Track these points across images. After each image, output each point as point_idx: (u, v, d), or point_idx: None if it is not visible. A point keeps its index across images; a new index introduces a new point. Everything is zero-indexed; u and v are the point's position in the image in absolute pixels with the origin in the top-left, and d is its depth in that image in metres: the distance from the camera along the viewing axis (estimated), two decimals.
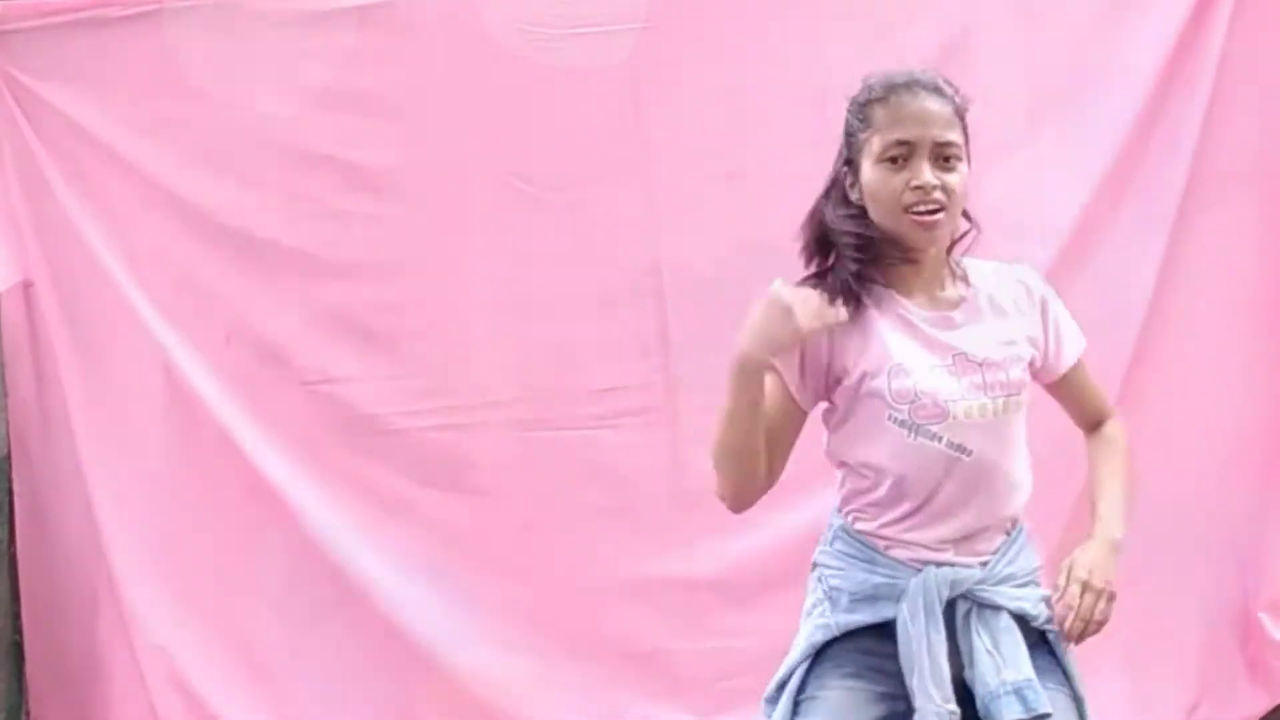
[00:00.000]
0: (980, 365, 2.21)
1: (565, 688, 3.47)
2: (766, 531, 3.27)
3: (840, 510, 2.31)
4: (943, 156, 2.21)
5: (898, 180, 2.21)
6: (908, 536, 2.25)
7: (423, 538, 3.51)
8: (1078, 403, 2.40)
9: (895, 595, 2.22)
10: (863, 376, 2.22)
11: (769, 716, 2.26)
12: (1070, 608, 2.17)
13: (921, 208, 2.20)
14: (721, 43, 3.45)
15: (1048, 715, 2.14)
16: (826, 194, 2.33)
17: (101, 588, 3.54)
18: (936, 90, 2.24)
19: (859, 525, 2.28)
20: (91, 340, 3.54)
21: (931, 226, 2.21)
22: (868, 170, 2.24)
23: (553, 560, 3.49)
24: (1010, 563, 2.23)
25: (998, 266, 2.33)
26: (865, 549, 2.27)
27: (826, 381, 2.27)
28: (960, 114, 2.25)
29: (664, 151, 3.45)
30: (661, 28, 3.45)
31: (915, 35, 3.44)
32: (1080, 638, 2.18)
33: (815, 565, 2.32)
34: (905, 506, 2.24)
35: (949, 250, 2.31)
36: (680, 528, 3.47)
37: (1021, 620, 2.21)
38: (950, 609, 2.21)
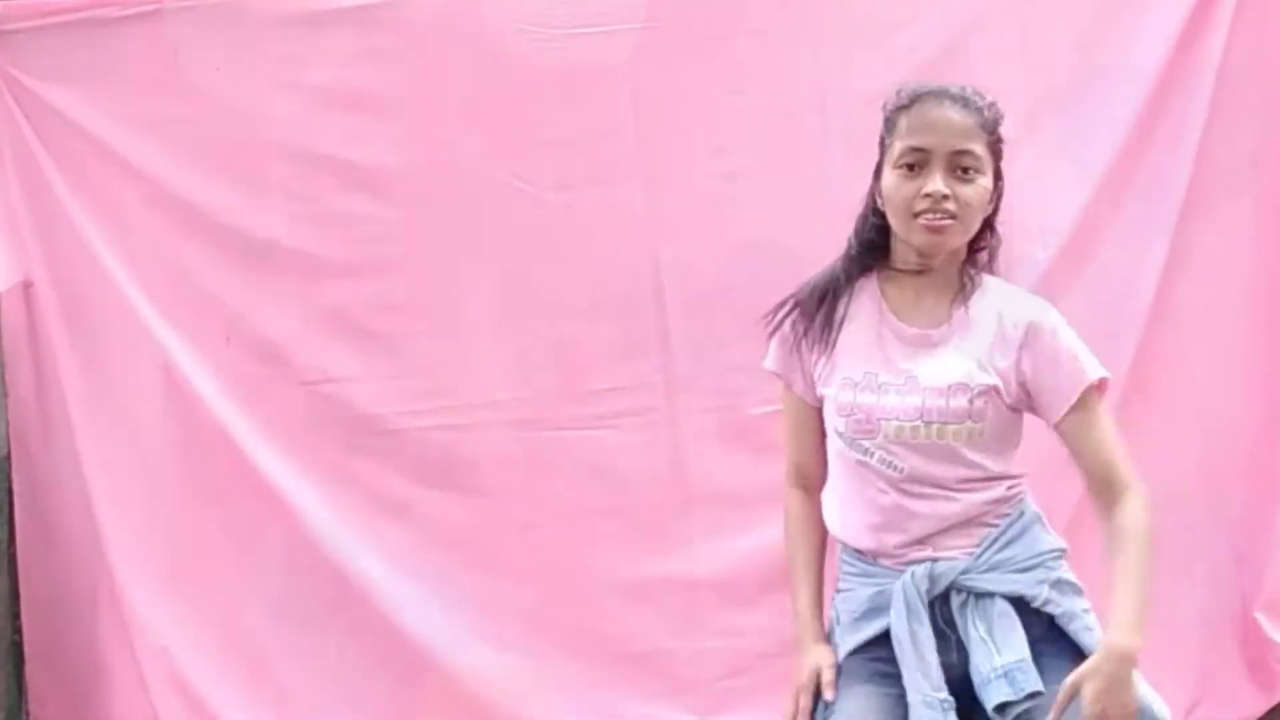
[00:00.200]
0: (924, 390, 2.24)
1: (565, 688, 3.47)
2: (766, 531, 3.25)
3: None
4: (960, 167, 2.24)
5: (910, 187, 2.24)
6: (881, 545, 2.28)
7: (422, 538, 3.50)
8: (1078, 455, 2.33)
9: (889, 602, 2.24)
10: (826, 386, 2.32)
11: None
12: None
13: (930, 215, 2.21)
14: (721, 43, 3.45)
15: (1038, 694, 2.14)
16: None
17: (101, 588, 3.54)
18: (963, 101, 2.27)
19: (862, 543, 2.34)
20: (91, 340, 3.54)
21: (939, 232, 2.24)
22: (886, 175, 2.29)
23: (553, 560, 3.48)
24: (1003, 549, 2.24)
25: (1014, 297, 2.33)
26: (860, 563, 2.32)
27: (814, 387, 2.34)
28: (987, 127, 2.26)
29: (664, 151, 3.45)
30: (661, 28, 3.45)
31: (915, 35, 3.44)
32: None
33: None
34: (863, 516, 2.30)
35: (970, 263, 2.32)
36: (680, 528, 3.47)
37: (1022, 603, 2.22)
38: (946, 602, 2.23)
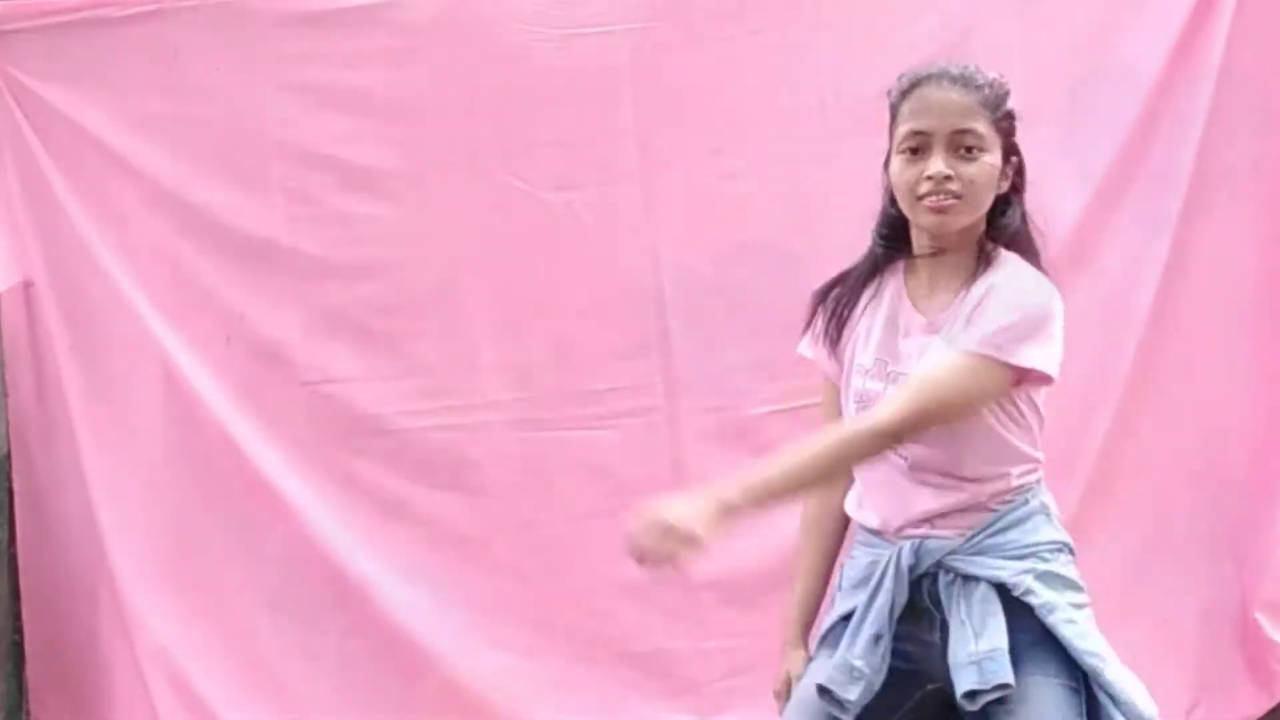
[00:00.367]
0: (905, 376, 2.24)
1: (565, 688, 3.47)
2: (767, 532, 3.25)
3: None
4: (963, 146, 2.23)
5: (913, 171, 2.24)
6: (886, 525, 2.31)
7: (422, 538, 3.51)
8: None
9: (878, 573, 2.28)
10: (846, 373, 2.35)
11: None
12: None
13: (935, 197, 2.21)
14: (721, 43, 3.45)
15: (1007, 686, 2.13)
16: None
17: (101, 588, 3.54)
18: (963, 81, 2.25)
19: (869, 522, 2.36)
20: (91, 340, 3.54)
21: (943, 212, 2.23)
22: (892, 162, 2.29)
23: (553, 560, 3.49)
24: (996, 534, 2.23)
25: (1017, 271, 2.29)
26: (865, 533, 2.36)
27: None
28: (990, 104, 2.25)
29: (664, 151, 3.45)
30: (661, 28, 3.45)
31: (915, 35, 3.44)
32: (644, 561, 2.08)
33: None
34: (875, 501, 2.33)
35: (991, 241, 2.30)
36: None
37: (1005, 591, 2.21)
38: (935, 580, 2.23)
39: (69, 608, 3.57)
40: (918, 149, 2.24)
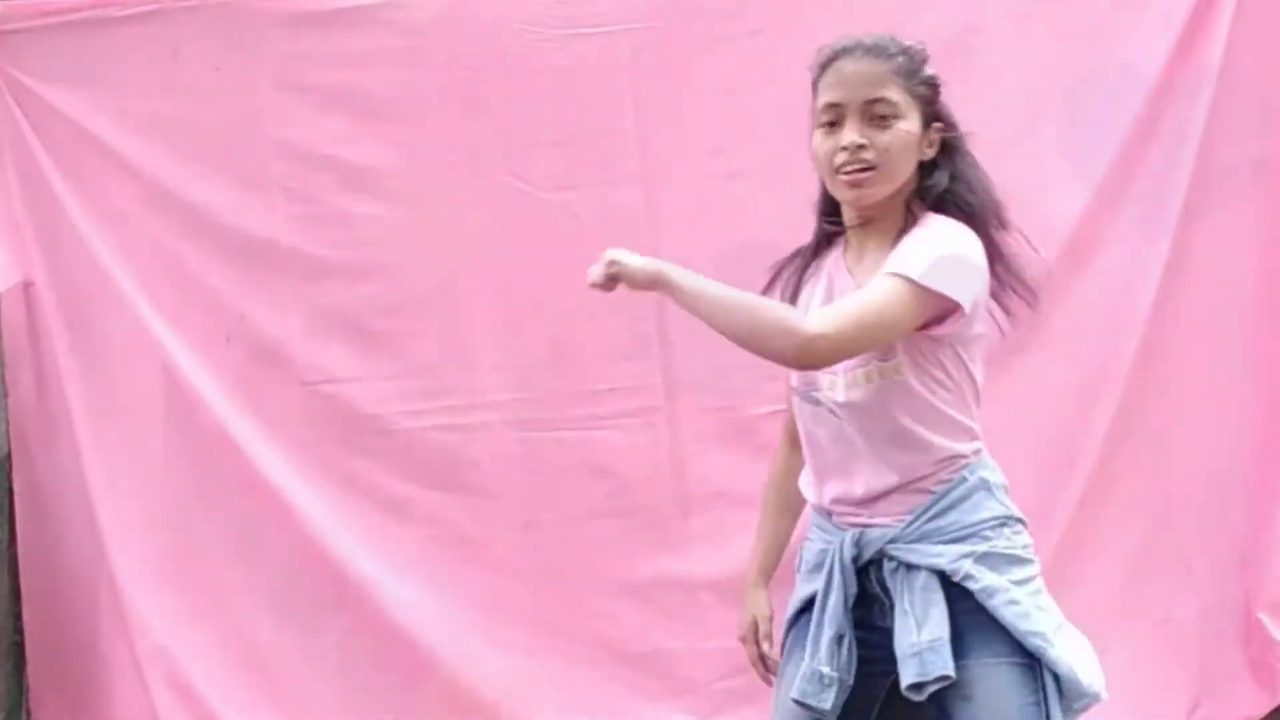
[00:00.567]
0: None
1: (565, 688, 3.47)
2: None
3: None
4: (876, 115, 2.25)
5: (830, 143, 2.28)
6: (833, 502, 2.32)
7: (422, 538, 3.50)
8: None
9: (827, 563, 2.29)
10: None
11: None
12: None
13: (850, 168, 2.24)
14: (721, 43, 3.45)
15: (947, 679, 2.14)
16: None
17: (102, 588, 3.54)
18: (875, 50, 2.29)
19: (811, 497, 2.39)
20: (91, 340, 3.54)
21: (859, 184, 2.26)
22: (813, 136, 2.29)
23: (553, 560, 3.48)
24: (935, 518, 2.23)
25: (938, 224, 2.28)
26: (818, 515, 2.37)
27: None
28: (904, 71, 2.27)
29: (664, 151, 3.45)
30: (661, 28, 3.45)
31: (915, 35, 3.41)
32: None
33: None
34: (818, 471, 2.34)
35: (919, 206, 2.30)
36: (680, 528, 3.47)
37: (946, 576, 2.20)
38: (880, 567, 2.22)
39: (69, 608, 3.57)
40: (834, 121, 2.28)
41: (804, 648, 2.28)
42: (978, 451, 2.30)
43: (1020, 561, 2.24)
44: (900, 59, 2.28)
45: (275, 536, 3.51)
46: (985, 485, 2.26)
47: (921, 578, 2.20)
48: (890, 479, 2.24)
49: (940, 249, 2.19)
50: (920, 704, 2.19)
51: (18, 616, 3.59)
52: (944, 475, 2.24)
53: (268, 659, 3.52)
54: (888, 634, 2.24)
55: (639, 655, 3.48)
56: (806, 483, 2.41)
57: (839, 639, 2.23)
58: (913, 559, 2.21)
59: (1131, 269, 3.45)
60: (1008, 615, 2.17)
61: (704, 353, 3.46)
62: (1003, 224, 2.31)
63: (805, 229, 3.35)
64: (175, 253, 3.52)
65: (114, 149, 3.50)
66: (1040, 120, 3.42)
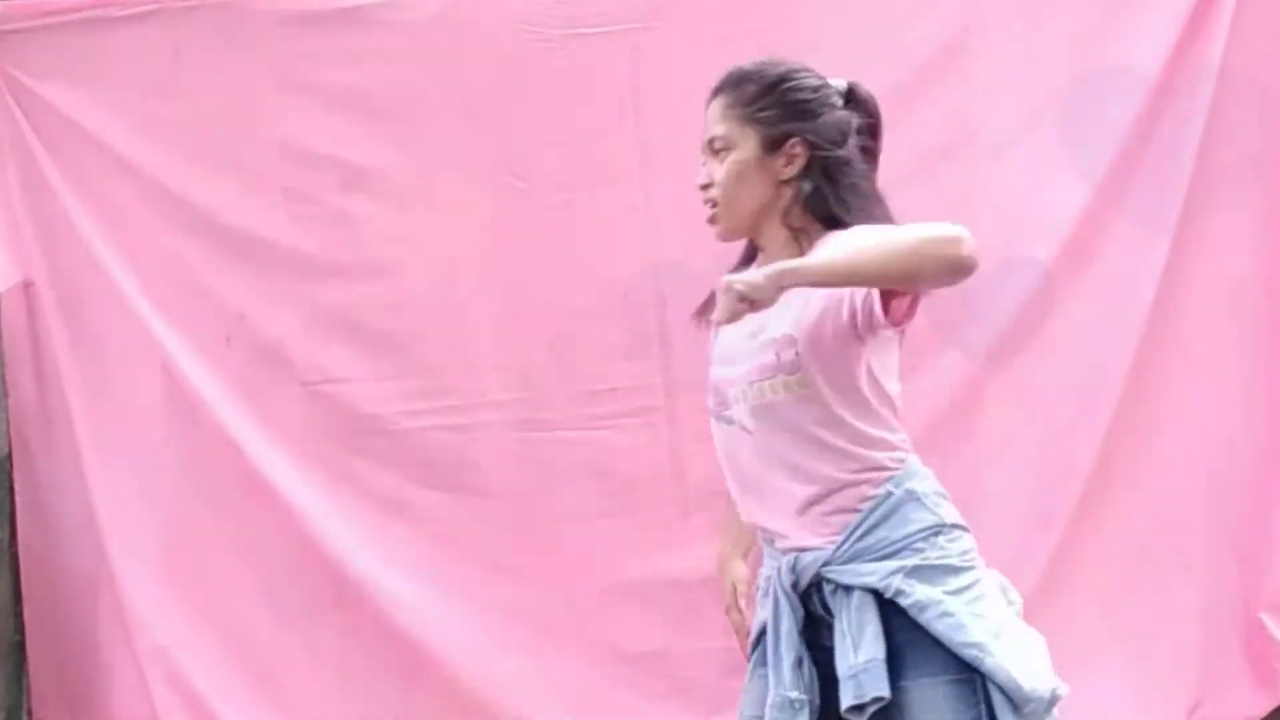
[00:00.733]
0: (747, 353, 2.27)
1: (565, 688, 3.47)
2: None
3: None
4: (715, 151, 2.33)
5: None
6: (763, 526, 2.33)
7: (423, 538, 3.50)
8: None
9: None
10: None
11: None
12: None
13: (705, 206, 2.33)
14: (721, 43, 3.44)
15: (883, 699, 2.13)
16: None
17: (102, 588, 3.54)
18: (724, 86, 2.34)
19: (745, 519, 2.39)
20: (91, 340, 3.54)
21: (710, 220, 2.34)
22: None
23: (553, 560, 3.48)
24: (864, 536, 2.21)
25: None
26: (765, 542, 2.37)
27: None
28: (743, 100, 2.30)
29: (664, 151, 3.44)
30: (661, 28, 3.45)
31: (915, 35, 3.44)
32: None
33: None
34: (742, 496, 2.34)
35: (806, 223, 2.29)
36: (680, 528, 3.46)
37: (880, 595, 2.19)
38: (821, 591, 2.23)
39: (69, 608, 3.57)
40: (705, 164, 2.35)
41: (763, 665, 2.29)
42: (901, 462, 2.26)
43: (955, 570, 2.21)
44: (745, 87, 2.32)
45: (275, 536, 3.50)
46: (913, 496, 2.24)
47: (856, 598, 2.19)
48: (809, 490, 2.23)
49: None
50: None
51: (18, 616, 3.59)
52: (868, 491, 2.22)
53: (268, 659, 3.52)
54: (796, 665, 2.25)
55: (639, 655, 3.48)
56: (741, 512, 2.40)
57: (798, 663, 2.23)
58: (847, 580, 2.20)
59: (1131, 269, 3.45)
60: (941, 629, 2.15)
61: (704, 353, 3.46)
62: None
63: None
64: (175, 253, 3.52)
65: (114, 149, 3.50)
66: (1040, 120, 3.42)
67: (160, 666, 3.49)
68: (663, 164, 3.44)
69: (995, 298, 3.38)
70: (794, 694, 2.20)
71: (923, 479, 2.27)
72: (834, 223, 2.26)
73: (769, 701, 2.24)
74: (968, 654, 2.14)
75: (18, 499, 3.57)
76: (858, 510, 2.22)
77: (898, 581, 2.17)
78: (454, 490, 3.50)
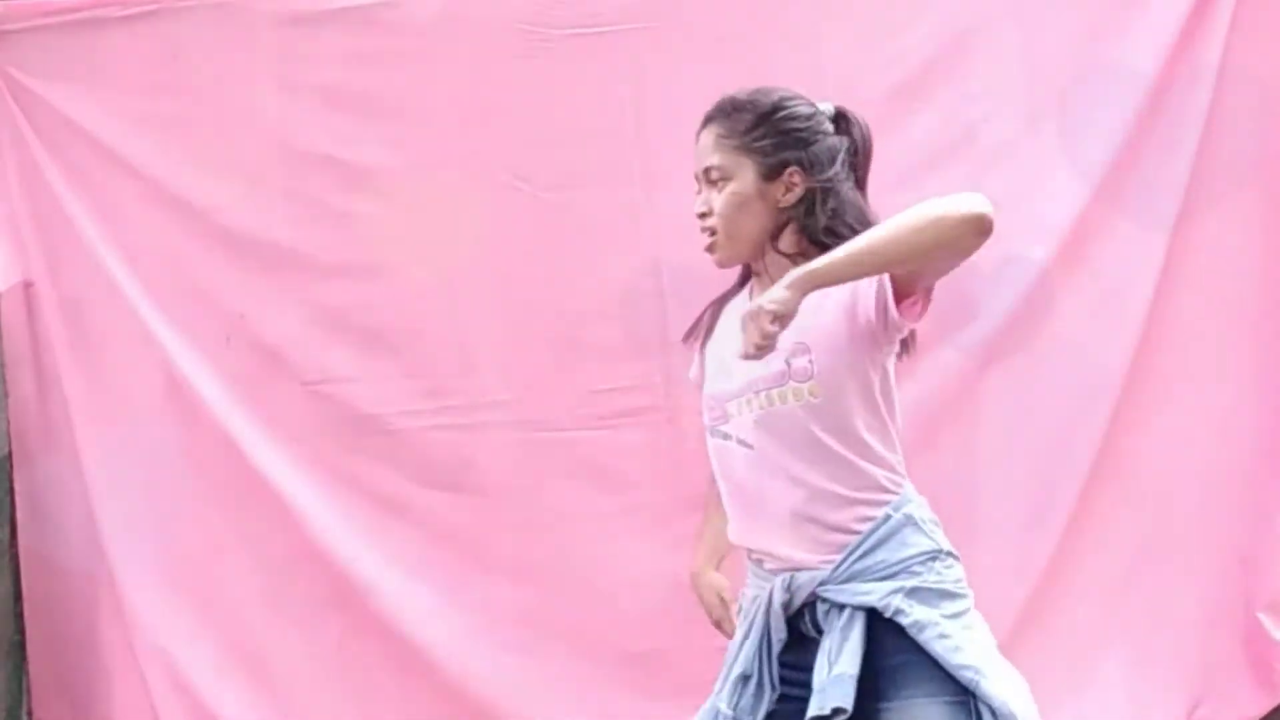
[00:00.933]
0: (749, 364, 2.25)
1: (565, 688, 3.47)
2: None
3: None
4: (711, 181, 2.35)
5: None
6: (756, 545, 2.33)
7: (423, 538, 3.50)
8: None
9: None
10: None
11: None
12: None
13: (703, 234, 2.36)
14: (721, 43, 3.45)
15: (842, 711, 2.13)
16: None
17: (102, 588, 3.54)
18: (715, 115, 2.37)
19: (736, 540, 2.39)
20: (91, 340, 3.54)
21: (709, 249, 2.37)
22: None
23: (553, 560, 3.48)
24: (863, 557, 2.22)
25: None
26: (753, 564, 2.37)
27: None
28: (738, 129, 2.32)
29: (664, 151, 3.44)
30: (661, 28, 3.45)
31: (915, 35, 3.44)
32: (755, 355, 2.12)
33: None
34: (737, 512, 2.35)
35: (800, 250, 2.31)
36: (681, 528, 3.46)
37: (877, 613, 2.20)
38: (814, 611, 2.23)
39: (69, 608, 3.57)
40: (700, 193, 2.37)
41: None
42: (898, 485, 2.28)
43: (951, 595, 2.23)
44: (740, 116, 2.34)
45: (275, 536, 3.50)
46: (911, 521, 2.25)
47: (845, 616, 2.20)
48: (807, 505, 2.24)
49: None
50: None
51: (18, 616, 3.59)
52: (865, 512, 2.24)
53: (268, 659, 3.52)
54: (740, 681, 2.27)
55: (639, 655, 3.47)
56: (732, 530, 2.41)
57: (744, 679, 2.24)
58: (843, 599, 2.21)
59: (1130, 268, 3.45)
60: (939, 649, 2.16)
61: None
62: None
63: None
64: (175, 253, 3.52)
65: (114, 148, 3.50)
66: (1040, 120, 3.42)
67: (160, 666, 3.50)
68: (663, 164, 3.44)
69: (993, 297, 3.38)
70: (724, 707, 2.26)
71: (919, 505, 2.30)
72: (830, 246, 2.26)
73: (704, 708, 2.30)
74: (964, 675, 2.15)
75: (18, 499, 3.57)
76: (856, 531, 2.23)
77: (897, 601, 2.18)
78: (454, 490, 3.50)
